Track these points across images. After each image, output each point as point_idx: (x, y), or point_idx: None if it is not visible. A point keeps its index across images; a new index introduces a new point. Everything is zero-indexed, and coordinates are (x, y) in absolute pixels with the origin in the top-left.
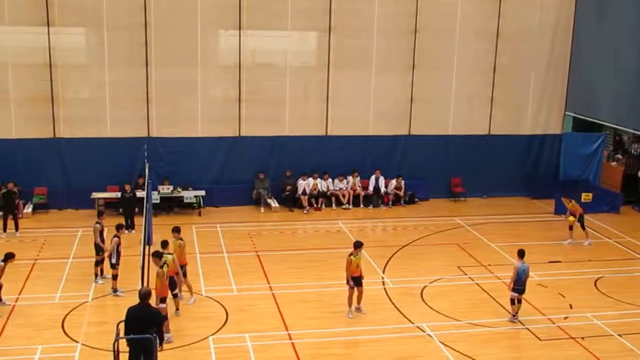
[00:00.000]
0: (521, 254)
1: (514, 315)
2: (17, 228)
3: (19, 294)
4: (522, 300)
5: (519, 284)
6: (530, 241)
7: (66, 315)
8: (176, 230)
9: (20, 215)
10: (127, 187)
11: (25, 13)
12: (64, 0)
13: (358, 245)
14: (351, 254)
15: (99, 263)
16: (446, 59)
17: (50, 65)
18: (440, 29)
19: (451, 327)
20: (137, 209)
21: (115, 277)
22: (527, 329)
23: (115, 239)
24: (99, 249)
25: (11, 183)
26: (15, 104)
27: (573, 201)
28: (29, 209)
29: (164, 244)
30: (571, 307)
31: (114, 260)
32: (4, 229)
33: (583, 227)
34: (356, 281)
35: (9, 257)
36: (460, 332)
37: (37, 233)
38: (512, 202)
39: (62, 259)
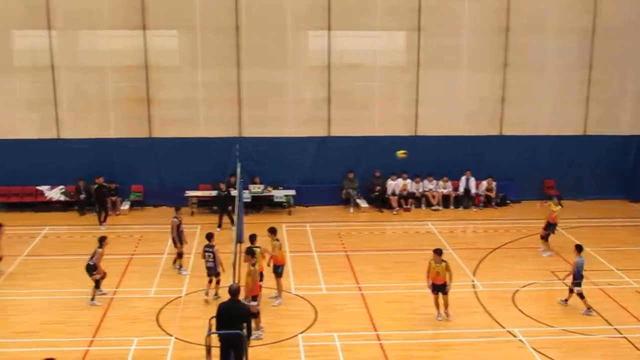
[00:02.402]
0: (579, 248)
1: (588, 309)
2: (105, 220)
3: (117, 287)
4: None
5: (578, 278)
6: (628, 246)
7: (161, 309)
8: (272, 231)
9: (118, 212)
10: (222, 186)
11: (122, 17)
12: (158, 3)
13: (436, 252)
14: (432, 260)
15: (180, 256)
16: (538, 56)
17: (146, 67)
18: (532, 26)
19: (544, 333)
20: (231, 208)
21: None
22: (625, 337)
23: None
24: (176, 243)
25: (101, 178)
26: (113, 105)
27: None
28: (125, 205)
29: (252, 237)
30: None
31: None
32: (100, 223)
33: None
34: (438, 288)
35: (103, 239)
36: (553, 339)
37: (133, 229)
38: (609, 205)
39: (157, 255)
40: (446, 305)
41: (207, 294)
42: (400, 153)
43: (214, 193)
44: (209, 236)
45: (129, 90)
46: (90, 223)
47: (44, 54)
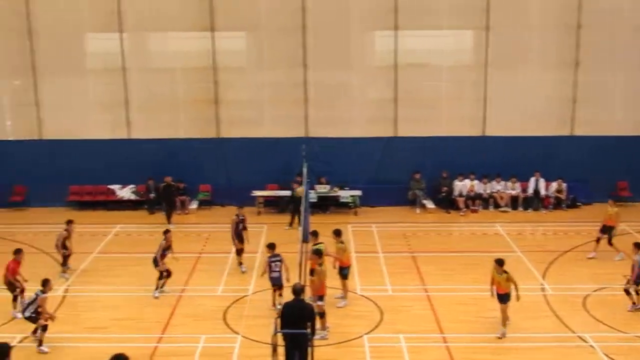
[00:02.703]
0: (638, 246)
1: (634, 304)
2: (169, 219)
3: (185, 286)
4: None
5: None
6: None
7: (228, 307)
8: (336, 233)
9: (186, 211)
10: (296, 186)
11: (191, 19)
12: (226, 6)
13: (497, 262)
14: (494, 269)
15: (238, 253)
16: (610, 55)
17: (214, 68)
18: (604, 23)
19: (616, 339)
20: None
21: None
22: None
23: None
24: (233, 240)
25: (169, 177)
26: (182, 106)
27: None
28: (194, 205)
29: (315, 233)
30: None
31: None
32: (168, 221)
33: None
34: (498, 297)
35: (166, 232)
36: (626, 345)
37: (201, 228)
38: None
39: (225, 254)
40: (503, 321)
41: (274, 304)
42: (299, 190)
43: (281, 193)
44: (272, 246)
45: (197, 91)
46: (159, 222)
47: (115, 56)
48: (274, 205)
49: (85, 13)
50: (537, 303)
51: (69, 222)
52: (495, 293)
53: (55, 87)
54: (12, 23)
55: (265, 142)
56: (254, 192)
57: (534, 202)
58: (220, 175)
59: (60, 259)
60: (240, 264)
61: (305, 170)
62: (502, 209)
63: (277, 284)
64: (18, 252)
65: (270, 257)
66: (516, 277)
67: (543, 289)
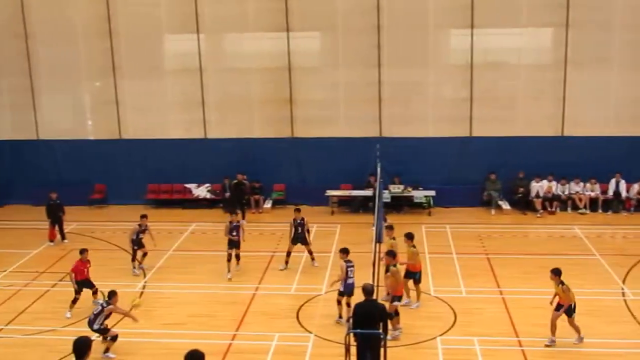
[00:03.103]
0: None
1: None
2: (243, 216)
3: (259, 284)
4: None
5: None
6: None
7: (301, 306)
8: (409, 236)
9: (261, 210)
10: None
11: (267, 20)
12: (301, 6)
13: (552, 272)
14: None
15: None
16: None
17: (289, 68)
18: None
19: None
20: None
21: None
22: None
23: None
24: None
25: (241, 174)
26: (257, 106)
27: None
28: (268, 204)
29: (390, 227)
30: None
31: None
32: (243, 217)
33: None
34: (559, 308)
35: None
36: None
37: (275, 227)
38: None
39: (298, 253)
40: (577, 331)
41: (340, 316)
42: (136, 303)
43: (354, 192)
44: (346, 250)
45: (272, 91)
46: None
47: (192, 57)
48: (348, 205)
49: (163, 15)
50: (617, 308)
51: (143, 216)
52: (555, 303)
53: (135, 88)
54: (94, 25)
55: (339, 141)
56: (327, 191)
57: (614, 204)
58: (295, 174)
59: (130, 253)
60: (286, 262)
61: (379, 170)
62: (581, 210)
63: (349, 292)
64: (83, 252)
65: (346, 261)
66: (595, 280)
67: (624, 294)
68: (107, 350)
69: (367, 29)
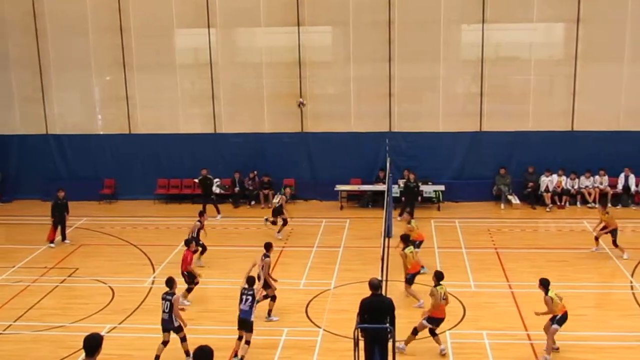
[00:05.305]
0: None
1: None
2: (217, 211)
3: None
4: None
5: None
6: None
7: (310, 301)
8: (404, 239)
9: (270, 205)
10: (412, 177)
11: (278, 14)
12: (313, 1)
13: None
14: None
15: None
16: None
17: (300, 63)
18: None
19: None
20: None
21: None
22: None
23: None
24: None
25: (205, 169)
26: (268, 100)
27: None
28: (277, 198)
29: (406, 238)
30: None
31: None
32: (218, 212)
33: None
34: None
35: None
36: None
37: None
38: None
39: (307, 248)
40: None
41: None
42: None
43: (364, 187)
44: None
45: (283, 86)
46: (245, 215)
47: (204, 51)
48: (357, 199)
49: (175, 9)
50: (626, 301)
51: (201, 213)
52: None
53: (145, 82)
54: (105, 20)
55: (349, 136)
56: (337, 186)
57: (623, 198)
58: (305, 169)
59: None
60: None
61: (388, 164)
62: (590, 205)
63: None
64: (189, 242)
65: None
66: (605, 274)
67: (632, 287)
68: (188, 354)
69: (378, 23)
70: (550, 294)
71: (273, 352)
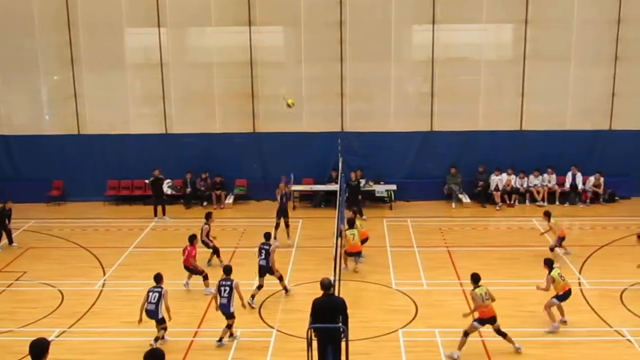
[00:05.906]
0: None
1: None
2: (164, 212)
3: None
4: None
5: None
6: None
7: (263, 302)
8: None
9: (222, 206)
10: (353, 176)
11: (229, 14)
12: (264, 0)
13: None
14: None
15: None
16: None
17: (251, 63)
18: None
19: None
20: (360, 197)
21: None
22: None
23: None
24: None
25: (157, 170)
26: (219, 101)
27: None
28: (230, 199)
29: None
30: None
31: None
32: (155, 214)
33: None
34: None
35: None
36: None
37: (237, 223)
38: None
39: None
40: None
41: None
42: (290, 101)
43: (316, 187)
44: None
45: (234, 86)
46: (196, 216)
47: (154, 51)
48: (309, 199)
49: (124, 7)
50: (574, 297)
51: (208, 216)
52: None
53: (94, 82)
54: (52, 17)
55: (301, 136)
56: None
57: (570, 196)
58: (257, 169)
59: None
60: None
61: (340, 164)
62: (539, 203)
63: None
64: (193, 238)
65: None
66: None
67: (580, 284)
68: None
69: (330, 24)
70: (553, 273)
71: (226, 354)
